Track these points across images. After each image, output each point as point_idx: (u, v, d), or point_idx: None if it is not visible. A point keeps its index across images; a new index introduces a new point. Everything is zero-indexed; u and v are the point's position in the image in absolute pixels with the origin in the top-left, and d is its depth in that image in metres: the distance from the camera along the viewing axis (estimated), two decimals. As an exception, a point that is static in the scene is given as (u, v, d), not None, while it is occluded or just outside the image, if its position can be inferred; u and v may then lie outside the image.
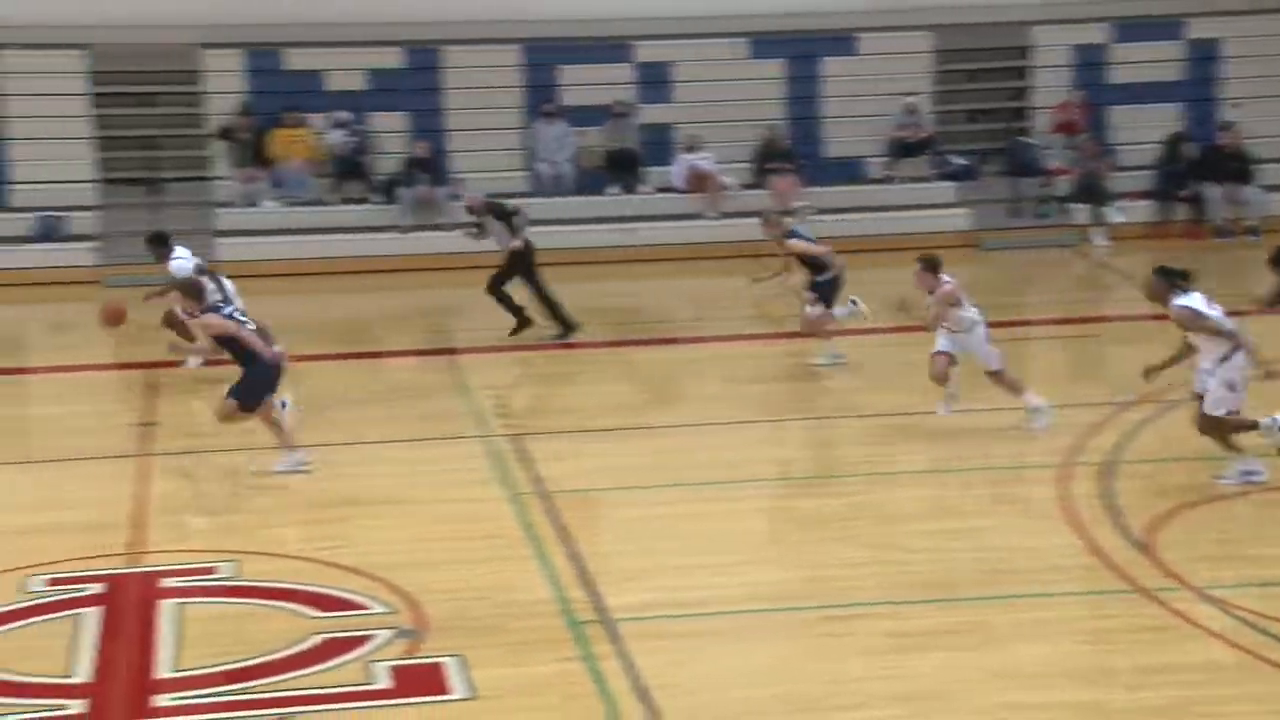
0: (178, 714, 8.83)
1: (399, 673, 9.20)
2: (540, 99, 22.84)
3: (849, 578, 10.46)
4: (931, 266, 13.47)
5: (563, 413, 15.48)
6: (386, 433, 13.93)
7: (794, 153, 23.09)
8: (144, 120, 22.22)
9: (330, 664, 9.29)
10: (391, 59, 22.76)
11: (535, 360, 17.15)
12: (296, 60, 22.59)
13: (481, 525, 11.75)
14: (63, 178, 21.23)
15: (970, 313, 13.51)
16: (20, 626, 10.00)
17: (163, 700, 8.99)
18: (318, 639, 9.62)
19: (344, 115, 22.22)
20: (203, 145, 22.19)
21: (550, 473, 12.81)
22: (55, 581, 10.65)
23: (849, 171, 23.40)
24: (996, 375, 13.49)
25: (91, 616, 10.08)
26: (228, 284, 15.41)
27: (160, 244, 15.74)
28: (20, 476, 12.64)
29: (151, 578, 10.81)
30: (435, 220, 21.68)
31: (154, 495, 12.55)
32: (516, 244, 17.27)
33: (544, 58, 23.11)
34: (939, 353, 13.42)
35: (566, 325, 17.33)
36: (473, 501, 12.23)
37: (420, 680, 9.14)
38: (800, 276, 16.03)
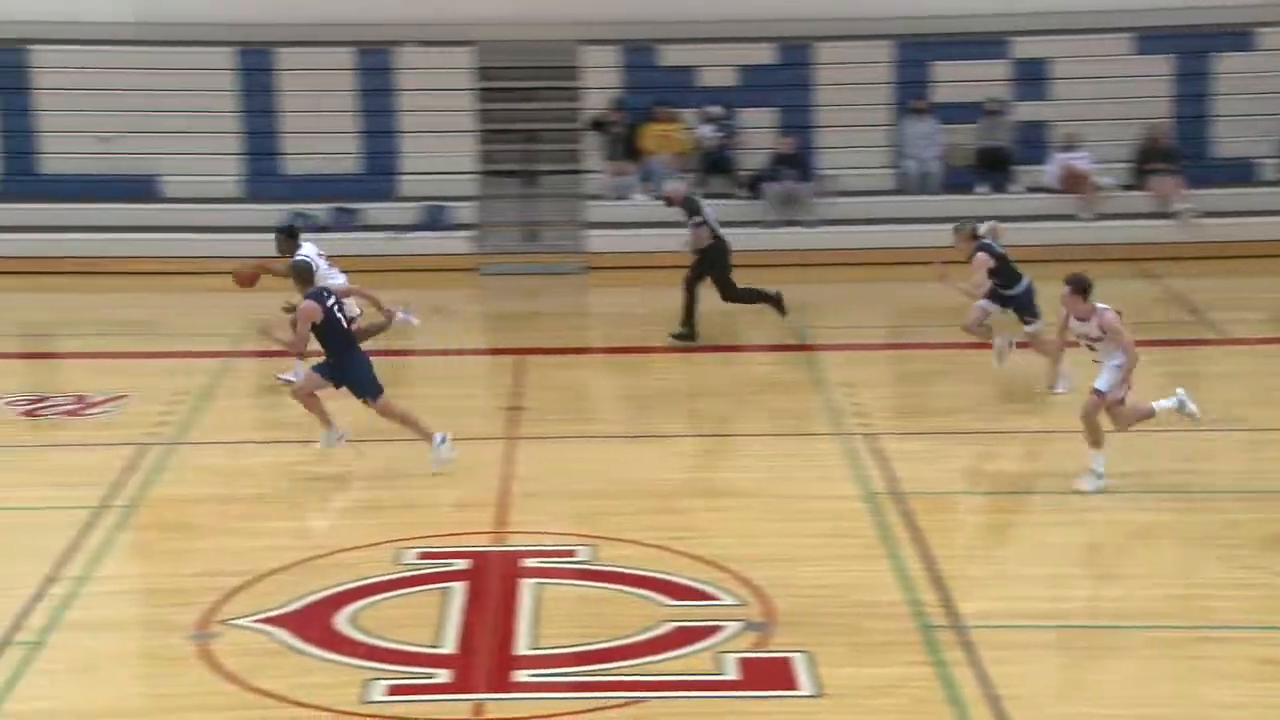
0: (535, 690, 9.13)
1: (747, 665, 9.29)
2: (911, 95, 22.63)
3: (1215, 598, 10.05)
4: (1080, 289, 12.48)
5: (922, 413, 15.32)
6: (744, 427, 14.07)
7: (1178, 153, 22.26)
8: (523, 114, 22.95)
9: (680, 652, 9.45)
10: (763, 55, 22.90)
11: (894, 359, 17.04)
12: (670, 56, 22.96)
13: (834, 523, 11.74)
14: (447, 169, 22.09)
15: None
16: (394, 596, 10.50)
17: (521, 675, 9.31)
18: (669, 626, 9.79)
19: (715, 110, 22.48)
20: (577, 139, 22.79)
21: (906, 473, 12.71)
22: (426, 555, 11.15)
23: (1239, 173, 22.43)
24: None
25: (457, 591, 10.51)
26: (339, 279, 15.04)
27: (290, 237, 15.35)
28: (401, 453, 13.23)
29: (514, 557, 11.19)
30: (800, 216, 21.74)
31: (518, 477, 12.98)
32: (704, 240, 16.97)
33: (917, 54, 22.89)
34: None
35: (691, 333, 17.08)
36: (826, 498, 12.23)
37: (768, 674, 9.21)
38: (983, 286, 15.24)
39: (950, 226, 15.66)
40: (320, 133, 21.86)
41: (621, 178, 22.33)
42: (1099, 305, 12.31)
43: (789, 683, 9.08)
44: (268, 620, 10.15)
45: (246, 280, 14.24)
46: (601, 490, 12.65)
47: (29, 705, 9.22)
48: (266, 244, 20.68)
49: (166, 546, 11.75)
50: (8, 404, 14.84)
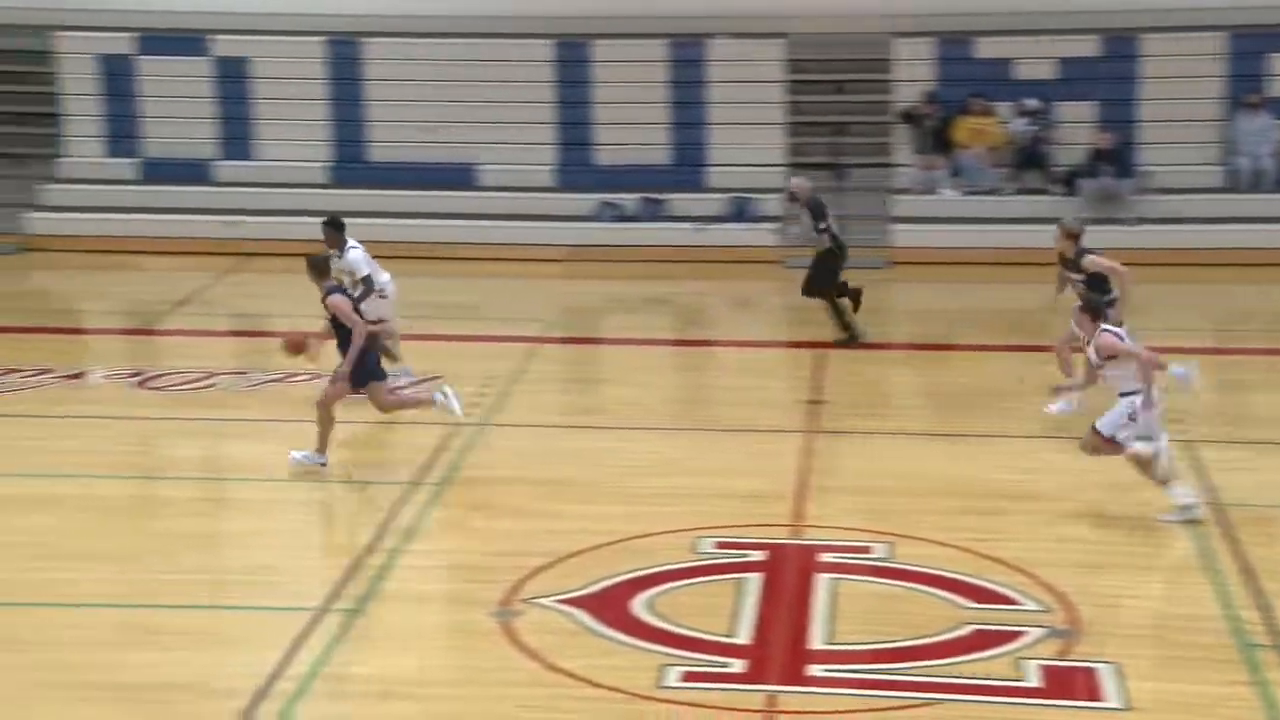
0: (829, 685, 9.06)
1: (1050, 673, 9.04)
2: (1245, 89, 21.68)
3: None
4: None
5: (1244, 421, 14.67)
6: (1046, 427, 13.67)
7: None
8: (833, 107, 22.80)
9: (980, 655, 9.26)
10: (1085, 47, 22.25)
11: (1215, 364, 16.35)
12: (986, 48, 22.50)
13: (1144, 531, 11.34)
14: (755, 161, 22.11)
15: None
16: (690, 584, 10.56)
17: (815, 670, 9.26)
18: (969, 629, 9.60)
19: (1031, 103, 21.95)
20: (887, 132, 22.54)
21: (1225, 483, 12.18)
22: (722, 545, 11.18)
23: None
24: None
25: (753, 581, 10.50)
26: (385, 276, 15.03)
27: (337, 230, 14.99)
28: (701, 442, 13.30)
29: (810, 551, 11.13)
30: (1118, 214, 21.06)
31: (815, 471, 12.90)
32: (825, 243, 16.59)
33: (1252, 45, 21.92)
34: None
35: (852, 334, 16.58)
36: (1134, 505, 11.80)
37: (1072, 683, 8.95)
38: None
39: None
40: (632, 124, 22.11)
41: (931, 172, 21.99)
42: (1103, 326, 11.66)
43: (1094, 693, 8.81)
44: (568, 601, 10.32)
45: (294, 348, 13.80)
46: (899, 488, 12.48)
47: (345, 669, 9.60)
48: (578, 231, 21.14)
49: (473, 524, 12.04)
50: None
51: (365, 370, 12.69)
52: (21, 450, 13.34)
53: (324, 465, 12.66)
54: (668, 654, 9.51)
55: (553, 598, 10.39)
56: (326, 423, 12.66)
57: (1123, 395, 11.44)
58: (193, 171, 21.63)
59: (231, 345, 17.62)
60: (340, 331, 12.63)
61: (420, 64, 22.08)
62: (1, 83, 22.43)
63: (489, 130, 21.86)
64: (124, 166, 21.75)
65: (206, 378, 15.61)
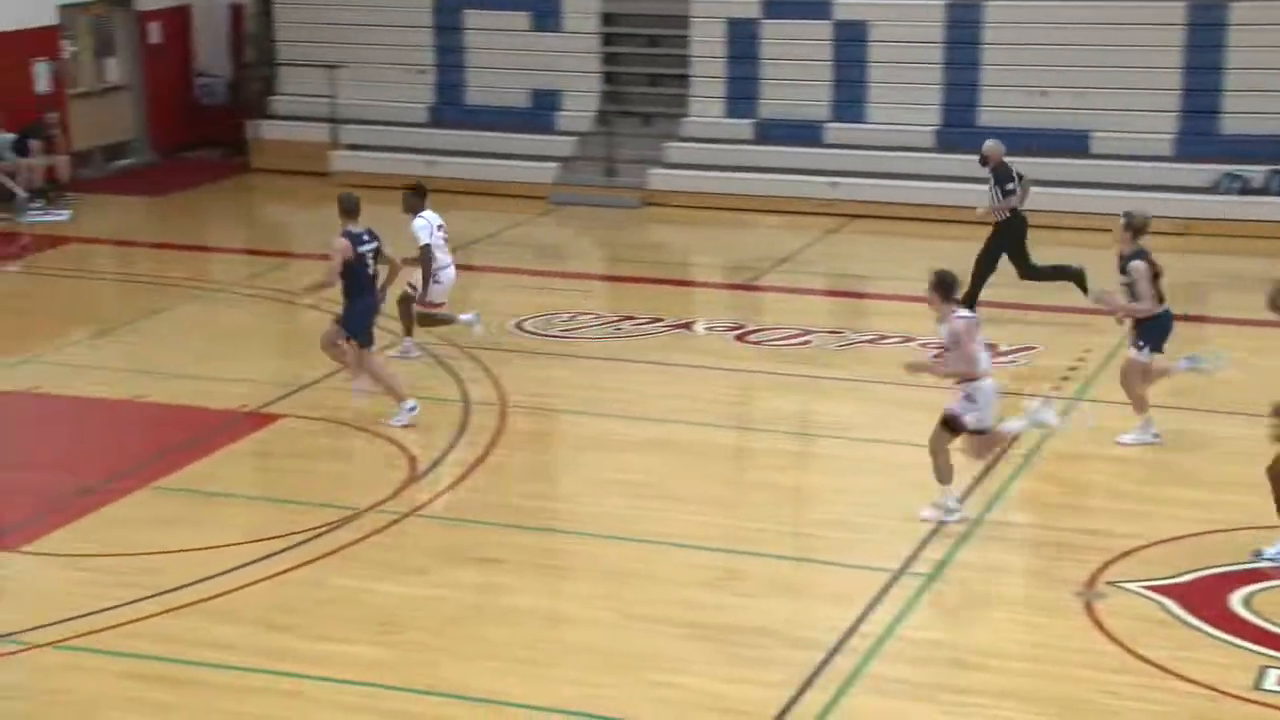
0: None
1: None
2: None
3: None
4: None
5: None
6: None
7: None
8: None
9: None
10: None
11: None
12: None
13: None
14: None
15: None
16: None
17: None
18: None
19: None
20: None
21: None
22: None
23: None
24: None
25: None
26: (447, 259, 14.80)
27: (420, 197, 14.75)
28: None
29: None
30: None
31: None
32: (1004, 213, 15.88)
33: None
34: None
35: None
36: None
37: None
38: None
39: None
40: (1263, 91, 20.83)
41: None
42: (960, 313, 10.96)
43: None
44: (1157, 588, 9.95)
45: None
46: None
47: (917, 634, 9.63)
48: (1196, 204, 20.13)
49: (1054, 500, 11.78)
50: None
51: (364, 329, 13.17)
52: (640, 396, 14.04)
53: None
54: (1270, 655, 8.98)
55: (1140, 583, 10.04)
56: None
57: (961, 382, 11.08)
58: (804, 133, 22.04)
59: (827, 305, 17.89)
60: (344, 271, 13.08)
61: (1041, 27, 21.57)
62: (640, 45, 23.59)
63: (1107, 96, 21.13)
64: (742, 127, 22.42)
65: (802, 335, 15.94)
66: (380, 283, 13.43)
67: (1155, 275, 12.47)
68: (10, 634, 9.77)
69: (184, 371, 14.70)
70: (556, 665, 9.42)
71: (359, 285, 13.22)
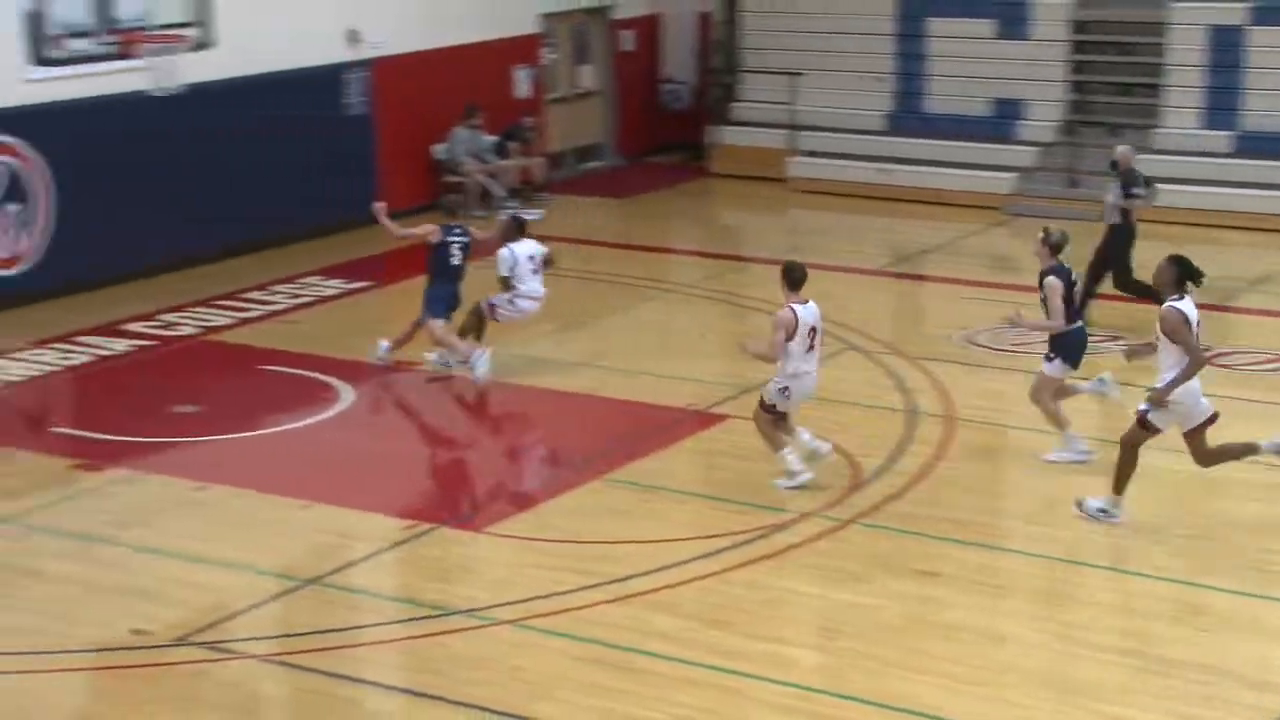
0: None
1: None
2: None
3: None
4: None
5: None
6: None
7: None
8: None
9: None
10: None
11: None
12: None
13: None
14: None
15: None
16: None
17: None
18: None
19: None
20: None
21: None
22: None
23: None
24: None
25: None
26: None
27: (517, 228, 15.05)
28: None
29: None
30: None
31: None
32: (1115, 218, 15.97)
33: None
34: None
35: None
36: None
37: None
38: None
39: None
40: None
41: None
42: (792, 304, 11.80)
43: None
44: None
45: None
46: None
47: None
48: None
49: None
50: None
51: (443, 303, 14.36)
52: (1098, 415, 13.47)
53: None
54: None
55: None
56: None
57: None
58: (1282, 146, 21.03)
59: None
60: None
61: None
62: (1111, 53, 22.95)
63: None
64: (1218, 139, 21.50)
65: (1273, 360, 15.16)
66: None
67: (1070, 291, 12.45)
68: (475, 609, 10.32)
69: (638, 368, 15.17)
70: (998, 685, 9.26)
71: (437, 272, 14.65)
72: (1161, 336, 10.95)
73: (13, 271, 17.02)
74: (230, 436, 13.57)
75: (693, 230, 22.73)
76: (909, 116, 23.59)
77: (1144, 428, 11.13)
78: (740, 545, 11.20)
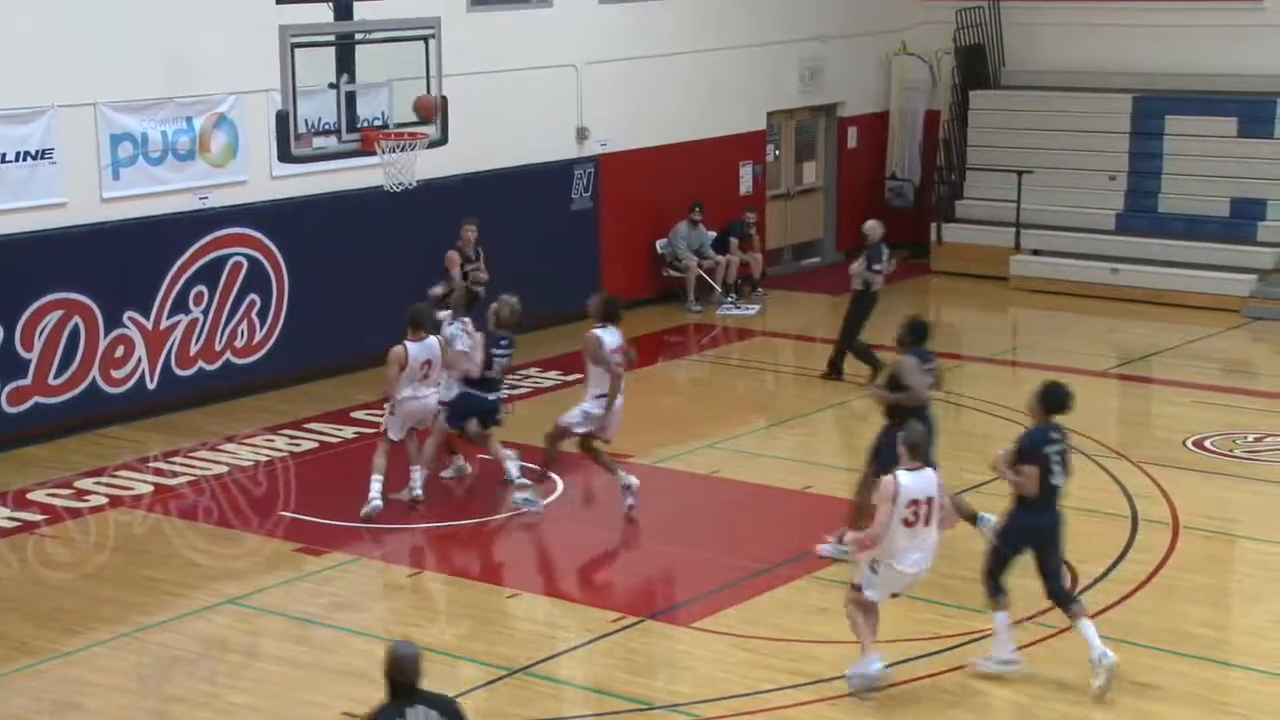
0: None
1: None
2: None
3: None
4: None
5: None
6: None
7: None
8: None
9: None
10: None
11: None
12: None
13: None
14: None
15: None
16: None
17: None
18: None
19: None
20: None
21: None
22: None
23: None
24: None
25: None
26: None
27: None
28: None
29: None
30: None
31: None
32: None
33: None
34: None
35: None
36: None
37: None
38: None
39: None
40: None
41: None
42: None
43: None
44: None
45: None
46: None
47: None
48: None
49: None
50: None
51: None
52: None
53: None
54: None
55: None
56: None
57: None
58: None
59: None
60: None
61: None
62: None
63: None
64: None
65: None
66: None
67: None
68: (677, 704, 10.32)
69: (848, 464, 15.07)
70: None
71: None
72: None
73: (249, 360, 17.64)
74: (444, 524, 13.84)
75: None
76: (1140, 216, 23.17)
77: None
78: (953, 649, 11.03)
